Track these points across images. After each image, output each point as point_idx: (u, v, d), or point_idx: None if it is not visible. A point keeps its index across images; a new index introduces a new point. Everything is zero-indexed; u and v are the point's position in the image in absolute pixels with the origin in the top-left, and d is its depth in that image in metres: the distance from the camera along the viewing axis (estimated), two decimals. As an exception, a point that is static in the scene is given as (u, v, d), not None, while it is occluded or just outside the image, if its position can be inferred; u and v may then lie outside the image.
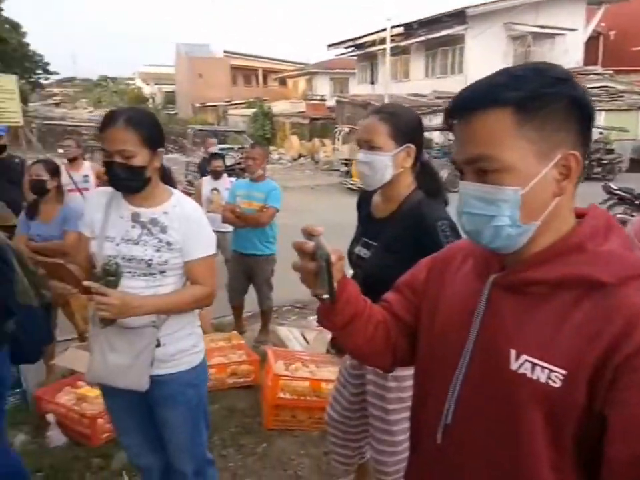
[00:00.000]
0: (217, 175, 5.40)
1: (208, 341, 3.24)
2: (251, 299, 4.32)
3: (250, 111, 26.62)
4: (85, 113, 34.97)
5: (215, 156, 5.93)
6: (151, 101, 41.57)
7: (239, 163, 12.97)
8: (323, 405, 2.81)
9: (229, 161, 12.01)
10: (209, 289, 1.76)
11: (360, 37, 23.25)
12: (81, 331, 3.65)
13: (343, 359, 2.10)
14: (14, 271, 1.85)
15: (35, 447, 2.67)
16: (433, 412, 0.93)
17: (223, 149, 13.41)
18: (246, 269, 4.14)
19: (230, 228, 4.44)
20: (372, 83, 24.06)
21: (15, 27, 24.35)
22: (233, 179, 5.83)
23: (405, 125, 1.70)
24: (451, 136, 2.05)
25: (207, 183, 5.47)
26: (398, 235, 1.70)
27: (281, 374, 3.00)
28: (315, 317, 4.50)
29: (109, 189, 1.71)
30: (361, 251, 1.83)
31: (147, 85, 45.97)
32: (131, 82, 47.76)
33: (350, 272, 1.80)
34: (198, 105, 34.12)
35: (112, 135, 1.59)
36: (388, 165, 1.69)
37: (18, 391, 3.05)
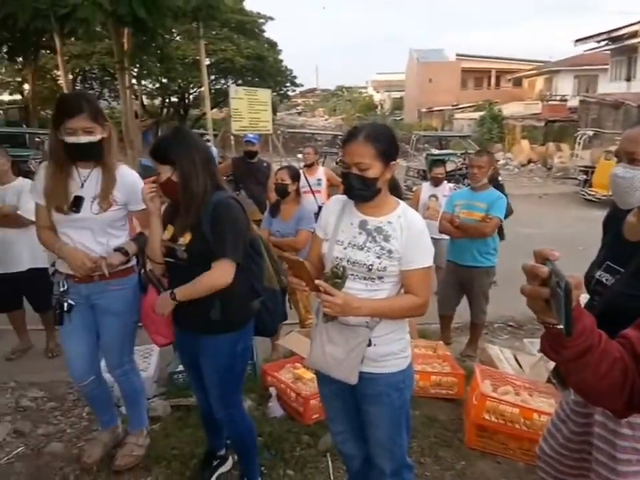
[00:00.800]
0: (437, 182, 5.38)
1: (412, 347, 3.27)
2: (459, 310, 4.21)
3: (477, 114, 25.77)
4: (321, 121, 38.58)
5: (436, 162, 5.92)
6: (379, 107, 43.58)
7: (460, 169, 12.69)
8: (532, 437, 2.60)
9: (449, 167, 11.84)
10: (422, 300, 1.80)
11: (617, 29, 20.36)
12: (303, 318, 4.07)
13: (566, 392, 1.89)
14: (263, 259, 2.20)
15: (258, 413, 3.08)
16: None
17: (444, 154, 13.29)
18: (461, 280, 4.03)
19: (445, 236, 4.39)
20: (628, 79, 20.88)
21: (273, 45, 28.22)
22: (452, 185, 5.74)
23: None
24: None
25: (425, 189, 5.50)
26: None
27: (488, 394, 2.86)
28: (531, 339, 4.17)
29: (344, 197, 1.88)
30: (603, 276, 1.62)
31: (377, 92, 48.32)
32: (363, 90, 50.83)
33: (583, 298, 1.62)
34: (424, 109, 34.45)
35: (352, 148, 1.74)
36: None
37: (250, 362, 3.57)
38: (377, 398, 1.84)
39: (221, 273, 2.00)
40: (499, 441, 2.79)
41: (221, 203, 2.00)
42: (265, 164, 5.69)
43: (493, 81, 37.79)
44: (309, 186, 5.56)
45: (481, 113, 25.08)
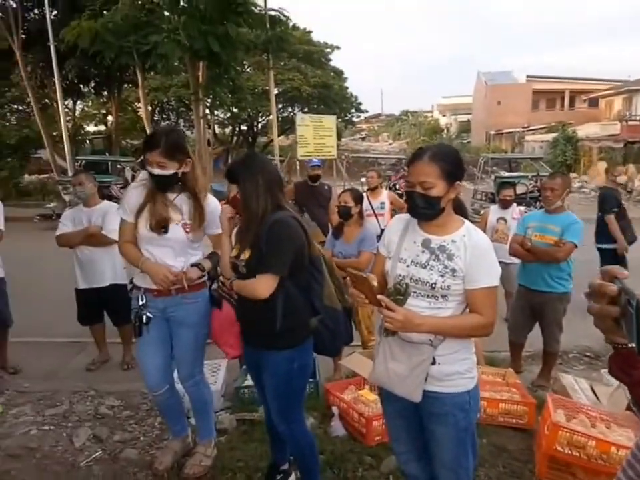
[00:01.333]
0: (505, 204, 5.25)
1: (479, 373, 3.17)
2: (531, 338, 4.03)
3: (550, 136, 24.84)
4: (385, 145, 38.67)
5: (505, 185, 5.79)
6: (445, 131, 43.09)
7: (531, 192, 12.25)
8: (609, 471, 2.44)
9: (520, 190, 11.46)
10: (487, 320, 1.78)
11: None
12: (365, 340, 4.06)
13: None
14: (324, 277, 2.25)
15: (320, 431, 3.09)
16: None
17: (514, 177, 12.90)
18: (533, 305, 3.86)
19: (515, 260, 4.26)
20: None
21: (339, 73, 28.88)
22: (522, 208, 5.56)
23: None
24: None
25: (494, 211, 5.38)
26: None
27: (561, 424, 2.72)
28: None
29: (407, 216, 1.91)
30: None
31: (443, 116, 47.86)
32: (428, 114, 50.56)
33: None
34: (493, 132, 33.68)
35: (417, 168, 1.78)
36: None
37: (312, 380, 3.60)
38: (442, 417, 1.82)
39: (260, 285, 2.09)
40: (572, 474, 2.63)
41: (277, 221, 2.10)
42: (326, 187, 5.83)
43: (566, 101, 36.38)
44: (372, 209, 5.60)
45: (554, 135, 24.16)
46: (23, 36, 16.45)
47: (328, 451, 2.83)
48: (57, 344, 4.80)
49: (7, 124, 21.69)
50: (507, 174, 14.33)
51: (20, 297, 4.31)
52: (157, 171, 2.40)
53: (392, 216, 5.67)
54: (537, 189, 12.60)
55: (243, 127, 30.80)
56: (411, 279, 1.81)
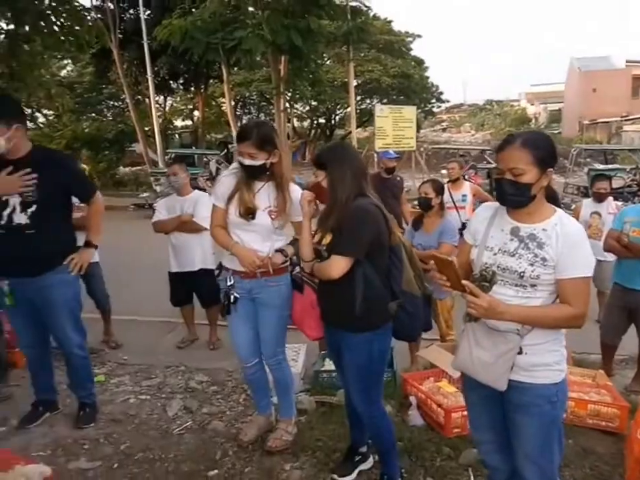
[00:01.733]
0: (600, 198, 4.95)
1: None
2: (625, 340, 3.79)
3: (652, 126, 22.82)
4: (468, 136, 37.37)
5: (599, 177, 5.45)
6: (533, 120, 40.86)
7: (629, 186, 11.38)
8: None
9: (616, 183, 10.69)
10: (577, 311, 1.72)
11: None
12: (444, 333, 4.01)
13: None
14: (403, 264, 2.31)
15: (397, 419, 3.11)
16: None
17: (610, 169, 12.04)
18: (629, 305, 3.61)
19: (609, 257, 4.01)
20: None
21: (419, 63, 28.27)
22: (619, 203, 5.22)
23: None
24: None
25: (587, 205, 5.10)
26: None
27: (656, 430, 2.55)
28: None
29: (495, 204, 1.89)
30: None
31: (532, 105, 45.36)
32: (515, 103, 48.13)
33: None
34: (586, 122, 31.48)
35: (507, 154, 1.75)
36: None
37: (389, 369, 3.63)
38: (527, 408, 1.79)
39: (332, 266, 2.18)
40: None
41: (358, 206, 2.20)
42: (398, 178, 5.92)
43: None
44: (453, 201, 5.48)
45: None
46: (120, 35, 17.67)
47: (405, 438, 2.86)
48: (151, 322, 5.18)
49: (104, 120, 23.45)
50: (601, 166, 13.36)
51: (119, 280, 4.69)
52: (247, 162, 2.54)
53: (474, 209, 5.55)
54: (635, 183, 11.69)
55: (321, 120, 31.09)
56: (498, 267, 1.78)
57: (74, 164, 3.16)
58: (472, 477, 2.57)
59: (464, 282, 1.68)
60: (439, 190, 3.91)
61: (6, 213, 2.76)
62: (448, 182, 5.77)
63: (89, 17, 8.15)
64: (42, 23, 7.80)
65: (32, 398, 3.24)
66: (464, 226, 4.34)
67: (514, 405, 1.82)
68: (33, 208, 2.77)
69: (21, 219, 2.77)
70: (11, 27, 8.90)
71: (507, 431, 1.89)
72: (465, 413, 2.74)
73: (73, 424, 3.13)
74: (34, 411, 3.18)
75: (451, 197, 5.47)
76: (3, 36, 9.60)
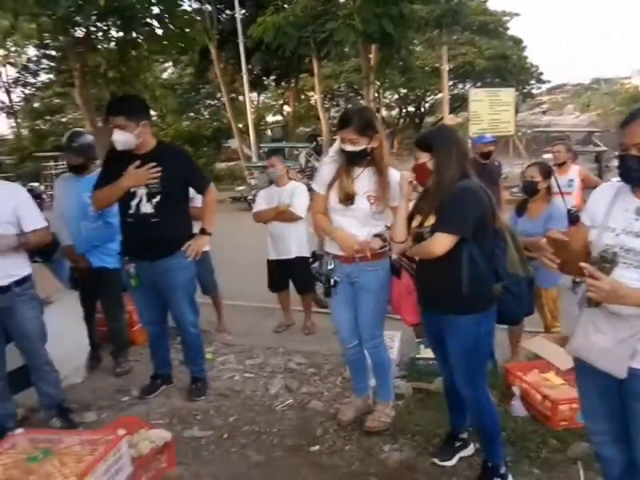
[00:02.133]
0: None
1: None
2: None
3: None
4: (571, 119, 34.74)
5: None
6: (647, 98, 37.04)
7: None
8: None
9: None
10: None
11: None
12: (549, 325, 3.80)
13: None
14: (507, 245, 2.27)
15: (500, 409, 3.01)
16: None
17: None
18: None
19: None
20: None
21: (517, 42, 26.70)
22: None
23: None
24: None
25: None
26: None
27: None
28: None
29: (616, 183, 1.78)
30: None
31: (645, 81, 41.08)
32: (626, 81, 43.93)
33: None
34: None
35: (633, 128, 1.65)
36: None
37: (490, 359, 3.51)
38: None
39: (435, 243, 2.17)
40: None
41: (464, 186, 2.19)
42: (496, 163, 5.65)
43: None
44: (558, 187, 5.13)
45: None
46: (217, 36, 18.56)
47: (509, 428, 2.77)
48: (251, 307, 5.46)
49: (202, 118, 24.83)
50: None
51: (222, 267, 4.96)
52: (349, 148, 2.59)
53: (583, 197, 5.18)
54: None
55: (410, 108, 30.51)
56: (621, 248, 1.67)
57: (192, 158, 3.41)
58: (581, 471, 2.45)
59: (583, 265, 1.59)
60: (546, 173, 3.71)
61: (134, 203, 3.05)
62: (554, 166, 5.44)
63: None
64: (148, 29, 8.43)
65: (150, 372, 3.57)
66: (570, 213, 4.06)
67: (633, 394, 1.71)
68: (157, 198, 3.03)
69: (147, 208, 3.04)
70: (120, 34, 9.73)
71: (625, 420, 1.78)
72: (574, 405, 2.63)
73: (186, 396, 3.41)
74: (152, 383, 3.51)
75: (557, 182, 5.14)
76: (113, 43, 10.54)
